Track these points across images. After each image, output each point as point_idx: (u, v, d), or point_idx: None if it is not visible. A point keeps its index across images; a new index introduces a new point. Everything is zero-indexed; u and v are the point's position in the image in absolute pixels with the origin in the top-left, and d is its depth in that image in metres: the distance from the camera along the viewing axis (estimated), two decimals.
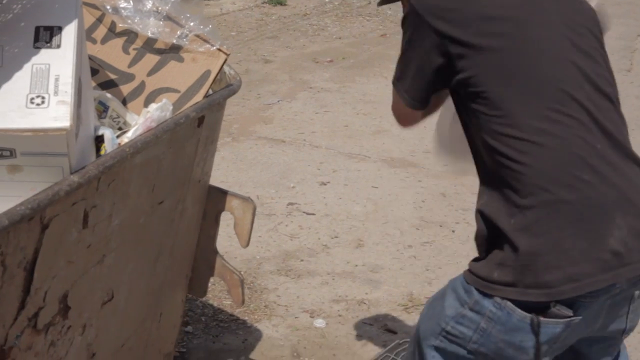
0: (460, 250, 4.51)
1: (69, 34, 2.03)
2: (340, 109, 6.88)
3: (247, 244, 2.88)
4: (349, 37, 9.53)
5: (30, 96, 1.93)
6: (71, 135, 1.91)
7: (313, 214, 4.93)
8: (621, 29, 10.17)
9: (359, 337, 3.77)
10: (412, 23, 2.12)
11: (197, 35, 2.55)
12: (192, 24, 2.56)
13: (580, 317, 1.95)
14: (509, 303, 1.96)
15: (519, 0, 2.08)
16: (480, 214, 2.06)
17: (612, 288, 1.95)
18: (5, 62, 1.98)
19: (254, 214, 2.85)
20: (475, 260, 2.08)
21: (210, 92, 2.61)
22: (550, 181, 1.93)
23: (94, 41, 2.57)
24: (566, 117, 1.96)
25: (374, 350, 3.66)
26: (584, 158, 1.94)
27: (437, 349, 2.13)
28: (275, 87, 7.43)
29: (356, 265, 4.38)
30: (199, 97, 2.53)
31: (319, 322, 3.85)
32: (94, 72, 2.52)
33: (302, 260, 4.39)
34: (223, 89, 2.68)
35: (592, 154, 1.96)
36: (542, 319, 1.93)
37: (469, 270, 2.07)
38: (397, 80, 2.22)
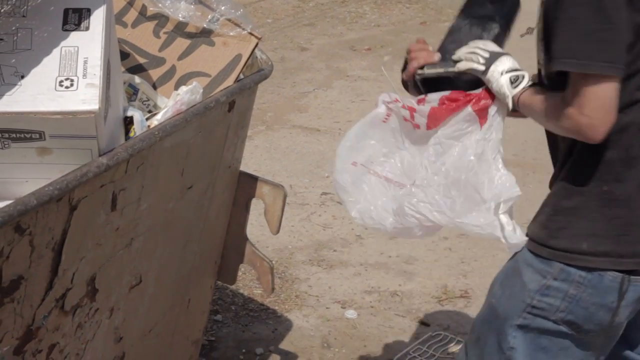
0: (497, 243, 4.43)
1: (98, 16, 2.02)
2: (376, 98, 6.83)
3: (278, 231, 2.86)
4: (388, 24, 9.44)
5: (59, 79, 1.93)
6: (100, 117, 1.90)
7: None
8: None
9: (391, 328, 3.74)
10: None
11: (229, 19, 2.53)
12: (223, 7, 2.53)
13: None
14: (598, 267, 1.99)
15: None
16: (569, 181, 2.02)
17: None
18: (34, 46, 1.98)
19: (284, 201, 2.82)
20: (544, 228, 2.05)
21: (242, 76, 2.58)
22: None
23: (124, 25, 2.55)
24: None
25: (406, 342, 3.63)
26: None
27: (520, 327, 2.09)
28: (311, 76, 7.39)
29: (390, 257, 4.34)
30: (229, 82, 2.51)
31: (351, 313, 3.82)
32: (124, 56, 2.50)
33: (334, 251, 4.36)
34: (254, 74, 2.65)
35: None
36: (633, 277, 1.98)
37: (543, 245, 2.04)
38: (595, 47, 1.82)
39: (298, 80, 7.22)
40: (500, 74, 2.08)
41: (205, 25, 2.53)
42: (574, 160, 2.00)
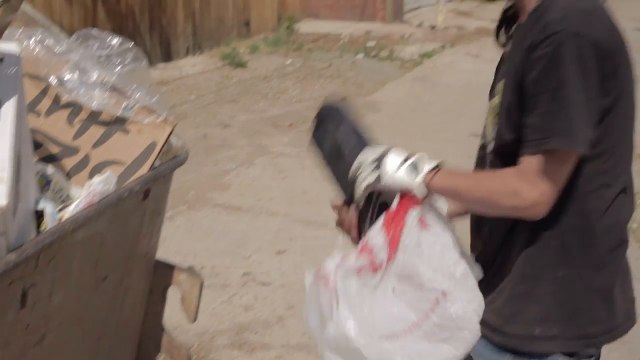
0: None
1: (8, 108, 1.98)
2: (299, 175, 6.85)
3: (195, 319, 2.81)
4: (310, 99, 9.54)
5: None
6: (8, 213, 1.85)
7: (269, 284, 4.85)
8: None
9: None
10: (573, 50, 1.81)
11: (143, 106, 2.51)
12: (138, 94, 2.52)
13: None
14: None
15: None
16: (522, 266, 1.99)
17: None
18: None
19: (201, 289, 2.78)
20: (497, 314, 2.02)
21: (157, 163, 2.56)
22: (614, 240, 1.99)
23: (38, 114, 2.51)
24: (630, 180, 2.02)
25: None
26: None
27: None
28: (234, 153, 7.39)
29: (311, 338, 4.28)
30: (144, 170, 2.48)
31: None
32: (37, 145, 2.46)
33: (256, 333, 4.30)
34: (169, 161, 2.63)
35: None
36: None
37: (497, 330, 2.02)
38: (561, 127, 1.82)
39: (220, 157, 7.21)
40: (394, 173, 1.99)
41: (119, 113, 2.51)
42: (523, 242, 1.99)
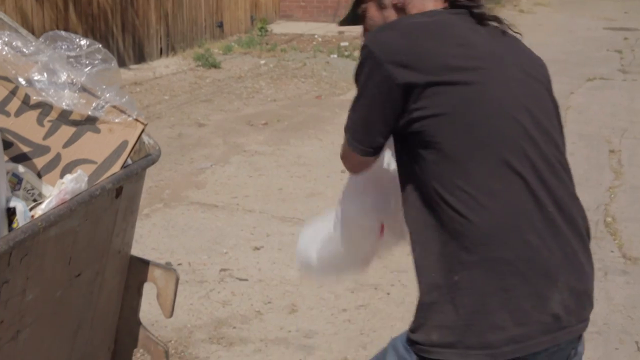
0: (395, 312, 4.51)
1: None
2: (274, 172, 6.89)
3: (171, 314, 2.84)
4: (284, 99, 9.59)
5: None
6: None
7: (246, 280, 4.89)
8: (554, 87, 10.37)
9: None
10: (368, 67, 2.03)
11: (114, 106, 2.54)
12: (108, 95, 2.55)
13: None
14: None
15: (482, 52, 2.06)
16: (417, 267, 2.05)
17: (551, 348, 1.97)
18: None
19: (177, 284, 2.81)
20: (413, 322, 2.05)
21: (130, 161, 2.59)
22: (498, 241, 1.94)
23: (7, 114, 2.54)
24: (517, 177, 1.97)
25: None
26: (532, 221, 1.97)
27: None
28: (209, 151, 7.42)
29: (290, 331, 4.34)
30: (116, 168, 2.51)
31: None
32: (8, 145, 2.49)
33: (234, 328, 4.34)
34: (142, 159, 2.66)
35: (539, 217, 1.98)
36: None
37: (408, 337, 2.05)
38: (350, 129, 2.14)
39: (196, 156, 7.24)
40: None
41: (90, 113, 2.54)
42: (421, 258, 2.04)
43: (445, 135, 1.97)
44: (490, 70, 2.03)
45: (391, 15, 2.18)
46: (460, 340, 1.93)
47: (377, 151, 2.12)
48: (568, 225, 2.03)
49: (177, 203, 6.11)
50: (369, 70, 2.02)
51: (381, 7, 2.20)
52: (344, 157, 2.25)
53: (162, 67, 11.19)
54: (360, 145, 2.11)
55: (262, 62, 11.86)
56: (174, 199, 6.18)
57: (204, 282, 4.82)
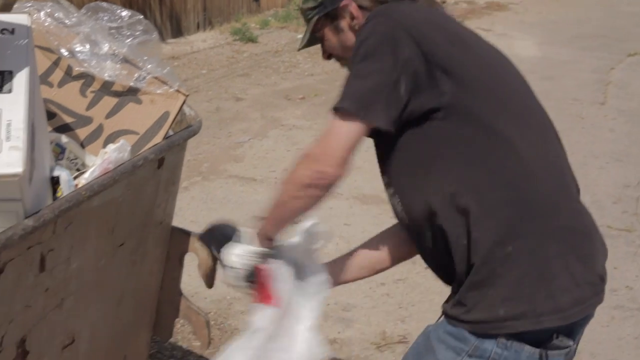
0: (433, 287, 4.50)
1: (21, 78, 2.02)
2: None
3: (212, 285, 2.85)
4: (321, 73, 9.57)
5: None
6: (24, 180, 1.90)
7: None
8: (594, 63, 10.29)
9: None
10: (389, 38, 1.96)
11: (155, 77, 2.56)
12: (149, 66, 2.56)
13: (575, 344, 1.99)
14: (515, 342, 1.93)
15: (489, 51, 2.13)
16: (466, 248, 1.97)
17: (592, 312, 2.01)
18: None
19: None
20: (460, 305, 2.00)
21: (171, 133, 2.60)
22: (551, 208, 1.96)
23: (50, 85, 2.56)
24: (553, 151, 2.04)
25: None
26: (570, 188, 2.04)
27: None
28: (247, 125, 7.43)
29: (328, 304, 4.35)
30: (158, 139, 2.52)
31: None
32: (51, 116, 2.51)
33: None
34: (183, 130, 2.67)
35: (572, 185, 2.06)
36: (549, 351, 1.94)
37: (461, 321, 1.99)
38: (360, 104, 1.98)
39: (233, 130, 7.25)
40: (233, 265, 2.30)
41: (132, 84, 2.55)
42: (464, 236, 1.97)
43: (483, 110, 1.97)
44: (475, 45, 2.10)
45: (349, 37, 2.23)
46: (530, 308, 1.92)
47: (394, 126, 1.99)
48: (577, 193, 2.10)
49: (216, 176, 6.13)
50: (389, 40, 1.97)
51: (338, 31, 2.26)
52: (334, 146, 2.01)
53: (200, 41, 11.21)
54: (379, 118, 1.97)
55: (299, 36, 11.82)
56: (213, 173, 6.20)
57: None
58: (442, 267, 2.10)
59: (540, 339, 1.94)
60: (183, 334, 3.95)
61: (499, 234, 1.93)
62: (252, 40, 11.30)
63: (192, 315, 2.93)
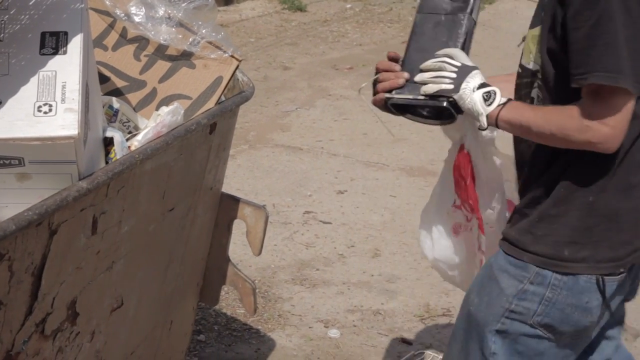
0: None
1: (75, 40, 2.02)
2: (359, 117, 6.83)
3: (259, 252, 2.86)
4: (370, 43, 9.48)
5: (37, 104, 1.92)
6: (79, 142, 1.90)
7: (330, 223, 4.89)
8: None
9: (374, 347, 3.73)
10: None
11: (209, 42, 2.54)
12: (204, 30, 2.55)
13: (626, 274, 2.11)
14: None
15: None
16: (555, 191, 2.05)
17: None
18: (11, 71, 1.97)
19: (266, 222, 2.83)
20: (528, 233, 2.09)
21: (223, 98, 2.59)
22: (632, 166, 2.04)
23: (105, 48, 2.56)
24: None
25: None
26: None
27: (499, 332, 2.14)
28: (294, 95, 7.40)
29: (372, 275, 4.34)
30: (210, 104, 2.51)
31: (333, 332, 3.82)
32: (105, 79, 2.51)
33: (317, 270, 4.36)
34: (235, 96, 2.66)
35: None
36: (605, 277, 2.06)
37: (525, 250, 2.09)
38: (620, 68, 1.85)
39: (281, 99, 7.23)
40: (472, 91, 2.04)
41: (186, 48, 2.54)
42: (560, 171, 2.04)
43: None
44: None
45: None
46: (592, 255, 2.04)
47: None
48: None
49: (262, 145, 6.12)
50: None
51: None
52: (604, 116, 1.89)
53: (248, 9, 11.16)
54: (620, 76, 1.86)
55: (348, 6, 11.73)
56: (259, 141, 6.19)
57: (288, 224, 4.84)
58: (528, 178, 2.15)
59: None
60: (227, 301, 3.96)
61: (584, 183, 2.02)
62: (300, 9, 11.22)
63: (239, 282, 2.93)
